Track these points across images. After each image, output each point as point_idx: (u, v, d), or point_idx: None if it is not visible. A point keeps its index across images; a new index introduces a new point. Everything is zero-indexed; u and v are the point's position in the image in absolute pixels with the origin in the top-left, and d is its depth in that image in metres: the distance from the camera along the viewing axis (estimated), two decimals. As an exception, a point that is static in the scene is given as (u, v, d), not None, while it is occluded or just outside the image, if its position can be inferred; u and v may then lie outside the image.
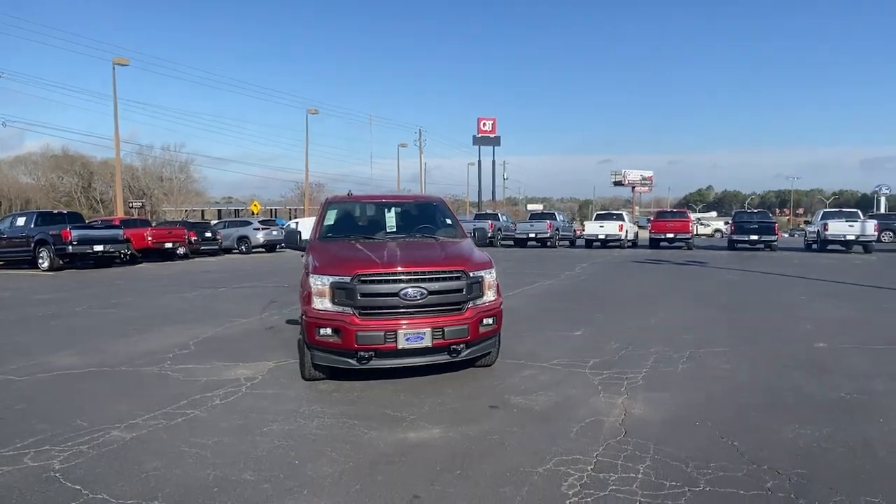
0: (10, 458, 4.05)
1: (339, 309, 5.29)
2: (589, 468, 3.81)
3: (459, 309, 5.47)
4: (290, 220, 47.14)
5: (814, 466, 3.79)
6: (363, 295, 5.24)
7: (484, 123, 68.65)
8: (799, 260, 20.62)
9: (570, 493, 3.48)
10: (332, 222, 6.88)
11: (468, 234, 6.97)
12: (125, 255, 21.21)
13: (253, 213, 46.73)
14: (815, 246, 26.16)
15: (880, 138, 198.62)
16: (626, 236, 29.61)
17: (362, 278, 5.27)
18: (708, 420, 4.66)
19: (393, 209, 7.17)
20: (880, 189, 73.30)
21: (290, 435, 4.47)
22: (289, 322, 9.04)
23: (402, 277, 5.32)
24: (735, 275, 15.49)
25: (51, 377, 6.15)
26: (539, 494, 3.47)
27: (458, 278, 5.47)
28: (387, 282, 5.29)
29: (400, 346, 5.23)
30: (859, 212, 27.47)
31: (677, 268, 17.91)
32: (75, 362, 6.73)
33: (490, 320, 5.66)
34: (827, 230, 24.18)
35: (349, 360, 5.38)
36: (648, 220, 38.07)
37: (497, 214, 34.73)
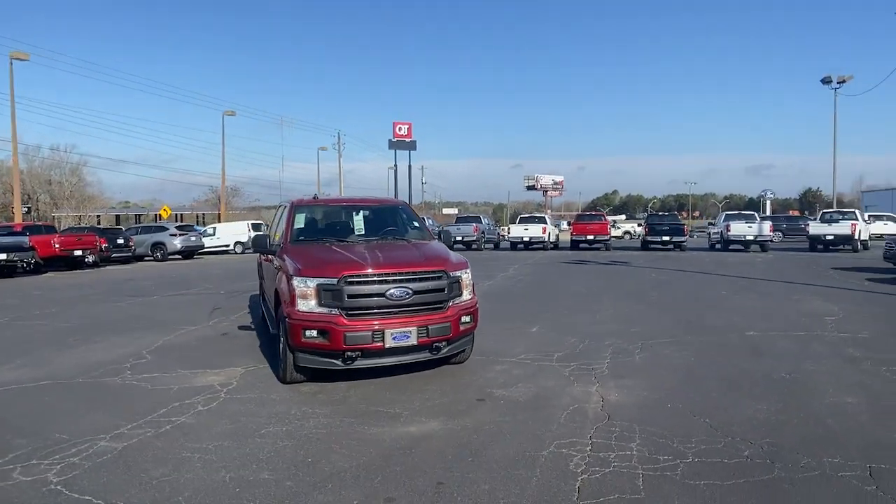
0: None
1: (326, 310, 5.34)
2: (588, 449, 4.14)
3: (441, 308, 5.67)
4: (201, 225, 45.10)
5: (777, 436, 4.32)
6: (350, 296, 5.33)
7: (400, 128, 68.44)
8: (709, 258, 22.34)
9: (578, 471, 3.79)
10: (302, 225, 6.87)
11: (434, 237, 7.18)
12: (29, 264, 19.64)
13: (162, 219, 44.46)
14: (718, 245, 28.40)
15: (763, 147, 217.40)
16: (549, 238, 30.79)
17: (349, 279, 5.36)
18: (677, 402, 5.14)
19: (361, 212, 7.26)
20: (766, 193, 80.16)
21: (291, 435, 4.50)
22: (241, 328, 8.85)
23: (388, 278, 5.46)
24: (658, 273, 16.61)
25: (2, 391, 5.75)
26: (551, 474, 3.75)
27: (439, 278, 5.67)
28: (373, 282, 5.41)
29: (387, 345, 5.37)
30: (756, 214, 30.13)
31: (604, 268, 18.94)
32: (23, 375, 6.32)
33: (468, 318, 5.90)
34: (729, 231, 26.36)
35: (334, 361, 5.45)
36: (568, 222, 39.72)
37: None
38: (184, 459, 4.06)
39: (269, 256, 6.91)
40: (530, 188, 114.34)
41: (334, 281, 5.34)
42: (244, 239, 34.18)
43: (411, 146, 70.19)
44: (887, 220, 38.50)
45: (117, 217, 63.94)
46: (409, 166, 70.85)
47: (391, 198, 8.08)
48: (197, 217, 64.18)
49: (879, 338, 7.57)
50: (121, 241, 25.28)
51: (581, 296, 12.15)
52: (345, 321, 5.29)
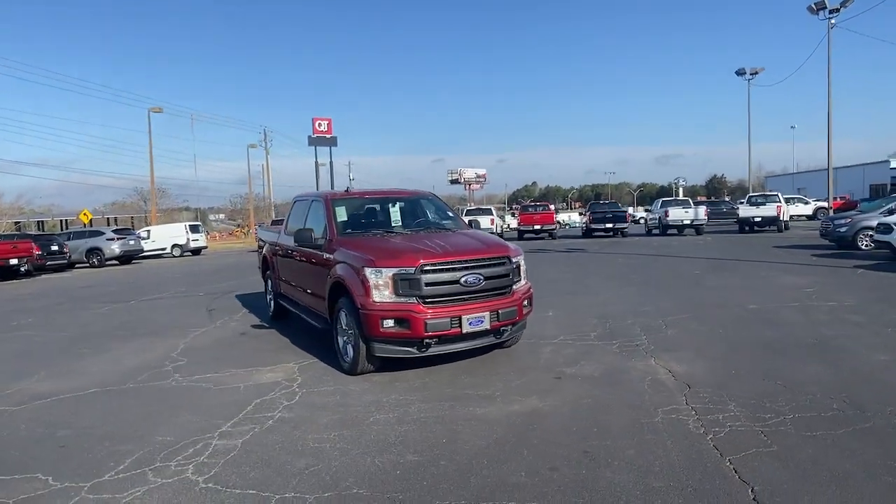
0: (131, 479, 3.71)
1: (403, 299, 5.41)
2: (693, 414, 4.48)
3: (507, 292, 5.87)
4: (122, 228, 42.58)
5: (850, 391, 4.82)
6: (428, 284, 5.42)
7: (319, 123, 66.40)
8: (656, 243, 23.62)
9: (700, 432, 4.12)
10: (345, 218, 6.84)
11: (466, 225, 7.35)
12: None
13: (83, 224, 41.63)
14: (656, 231, 30.02)
15: (671, 137, 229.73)
16: (496, 230, 31.46)
17: (426, 268, 5.44)
18: (737, 369, 5.60)
19: (397, 204, 7.31)
20: (678, 181, 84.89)
21: (403, 421, 4.57)
22: (256, 327, 8.67)
23: (462, 265, 5.59)
24: (624, 258, 17.45)
25: (56, 401, 5.45)
26: (680, 437, 4.06)
27: (503, 264, 5.86)
28: (449, 270, 5.53)
29: (464, 331, 5.51)
30: (690, 200, 32.07)
31: (566, 255, 19.64)
32: (62, 386, 5.97)
33: (527, 302, 6.13)
34: (668, 216, 27.94)
35: (410, 349, 5.54)
36: (512, 214, 40.71)
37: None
38: (318, 450, 4.06)
39: (308, 251, 6.81)
40: (454, 182, 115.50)
41: (412, 270, 5.41)
42: (182, 241, 32.74)
43: (332, 142, 68.53)
44: (797, 201, 42.03)
45: (17, 224, 58.97)
46: (331, 162, 69.34)
47: (418, 189, 8.12)
48: (108, 220, 60.10)
49: (865, 305, 8.43)
50: (55, 247, 23.56)
51: (567, 282, 12.61)
52: (423, 309, 5.38)
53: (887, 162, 61.21)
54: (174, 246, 32.67)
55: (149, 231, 33.58)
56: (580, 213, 46.88)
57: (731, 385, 5.11)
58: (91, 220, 44.07)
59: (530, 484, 3.46)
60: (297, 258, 7.32)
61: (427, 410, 4.78)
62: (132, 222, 54.34)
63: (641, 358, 6.11)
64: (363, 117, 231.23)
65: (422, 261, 5.46)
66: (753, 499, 3.22)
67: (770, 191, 31.30)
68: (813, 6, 30.94)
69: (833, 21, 30.61)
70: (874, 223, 16.38)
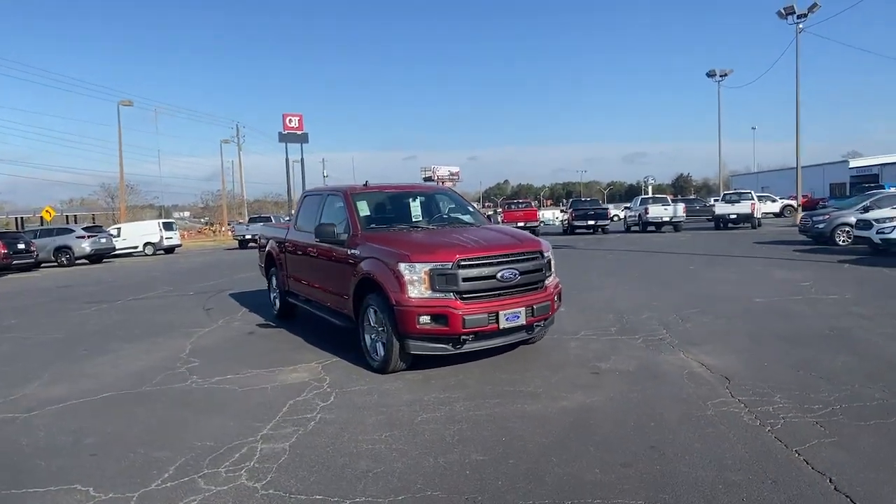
0: (181, 488, 3.50)
1: (440, 295, 5.28)
2: (743, 406, 4.48)
3: (541, 287, 5.80)
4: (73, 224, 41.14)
5: (887, 381, 4.89)
6: (465, 279, 5.30)
7: (290, 119, 65.12)
8: (639, 239, 23.94)
9: (757, 424, 4.12)
10: (368, 213, 6.66)
11: (487, 220, 7.26)
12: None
13: (46, 221, 40.17)
14: (635, 227, 30.44)
15: (637, 136, 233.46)
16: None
17: (463, 263, 5.33)
18: (768, 361, 5.64)
19: (418, 198, 7.17)
20: (647, 179, 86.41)
21: (453, 419, 4.46)
22: (263, 326, 8.42)
23: (498, 260, 5.49)
24: (611, 254, 17.60)
25: (70, 407, 5.15)
26: (739, 429, 4.04)
27: (537, 258, 5.79)
28: (486, 265, 5.42)
29: (501, 327, 5.40)
30: (668, 198, 32.60)
31: (557, 252, 19.63)
32: (72, 390, 5.66)
33: (557, 297, 6.06)
34: (648, 213, 28.34)
35: (445, 346, 5.42)
36: (495, 211, 40.83)
37: (269, 217, 34.93)
38: (373, 451, 3.91)
39: (327, 247, 6.61)
40: (427, 179, 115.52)
41: (449, 265, 5.29)
42: (155, 239, 31.86)
43: (303, 139, 67.38)
44: (766, 199, 43.16)
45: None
46: (301, 159, 68.16)
47: (435, 184, 7.98)
48: (67, 218, 58.00)
49: (865, 298, 8.63)
50: (22, 245, 22.60)
51: (567, 278, 12.53)
52: (461, 305, 5.26)
53: (846, 162, 63.41)
54: (146, 244, 31.74)
55: (119, 229, 32.51)
56: (562, 211, 47.35)
57: (769, 377, 5.13)
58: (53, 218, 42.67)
59: (608, 481, 3.39)
60: (314, 254, 7.10)
61: (474, 408, 4.67)
62: (93, 219, 52.48)
63: (669, 352, 6.10)
64: (335, 114, 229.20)
65: (458, 256, 5.33)
66: (835, 489, 3.21)
67: (742, 189, 32.06)
68: (782, 11, 31.76)
69: (801, 26, 31.47)
70: (851, 220, 16.91)
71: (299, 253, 7.72)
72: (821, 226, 17.57)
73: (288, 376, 5.82)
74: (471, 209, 7.37)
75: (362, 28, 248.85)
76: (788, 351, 5.95)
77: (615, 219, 41.14)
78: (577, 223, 29.34)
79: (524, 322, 5.55)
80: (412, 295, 5.29)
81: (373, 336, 5.84)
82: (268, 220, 33.86)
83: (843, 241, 16.98)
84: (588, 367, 5.71)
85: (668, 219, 28.26)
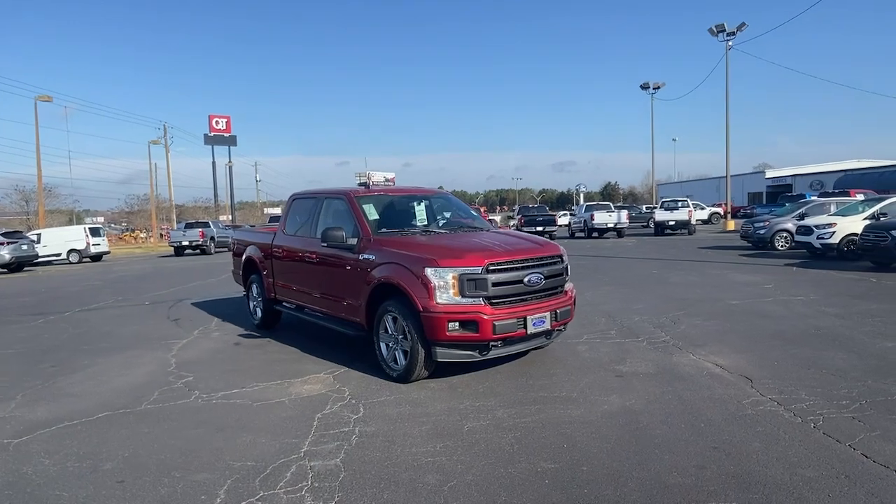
0: (249, 513, 3.21)
1: (469, 301, 5.16)
2: (777, 404, 4.62)
3: (562, 292, 5.79)
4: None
5: (891, 374, 5.19)
6: (495, 284, 5.21)
7: (217, 121, 62.79)
8: (589, 245, 24.58)
9: (799, 420, 4.25)
10: (376, 217, 6.43)
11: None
12: None
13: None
14: (580, 234, 31.27)
15: (566, 144, 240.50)
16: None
17: (491, 267, 5.23)
18: (773, 360, 5.86)
19: (423, 202, 7.01)
20: (579, 187, 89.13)
21: (501, 427, 4.35)
22: (246, 336, 7.99)
23: (525, 264, 5.43)
24: (573, 259, 17.87)
25: (64, 429, 4.66)
26: (787, 426, 4.16)
27: (558, 262, 5.77)
28: (513, 269, 5.35)
29: (529, 332, 5.34)
30: (611, 204, 33.69)
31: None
32: (61, 411, 5.13)
33: (573, 302, 6.06)
34: (594, 219, 29.20)
35: (472, 353, 5.30)
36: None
37: (208, 222, 33.62)
38: (438, 464, 3.75)
39: (332, 252, 6.33)
40: (362, 185, 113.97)
41: (478, 270, 5.18)
42: (81, 246, 29.80)
43: (231, 141, 65.01)
44: (696, 207, 45.50)
45: None
46: (230, 163, 65.80)
47: (432, 188, 7.83)
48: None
49: (828, 300, 9.17)
50: (-69, 253, 20.55)
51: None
52: (491, 310, 5.16)
53: (762, 173, 67.95)
54: (71, 251, 29.63)
55: (39, 235, 30.17)
56: (509, 217, 48.15)
57: (785, 375, 5.32)
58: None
59: (691, 483, 3.38)
60: (312, 260, 6.78)
61: (517, 416, 4.57)
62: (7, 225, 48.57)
63: (679, 354, 6.23)
64: (264, 117, 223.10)
65: (487, 260, 5.23)
66: (904, 481, 3.33)
67: (674, 197, 33.64)
68: (713, 28, 33.65)
69: (731, 43, 33.46)
70: (789, 226, 18.04)
71: (291, 259, 7.37)
72: (761, 232, 18.63)
73: (301, 388, 5.52)
74: (473, 213, 7.30)
75: (296, 31, 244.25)
76: (788, 350, 6.21)
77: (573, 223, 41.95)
78: (526, 229, 29.76)
79: (549, 327, 5.51)
80: (440, 301, 5.14)
81: (390, 344, 5.64)
82: (206, 225, 32.36)
83: (782, 246, 18.07)
84: (609, 370, 5.73)
85: (612, 225, 29.21)
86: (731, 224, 32.40)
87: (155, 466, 3.90)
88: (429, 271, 5.18)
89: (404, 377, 5.46)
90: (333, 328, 6.55)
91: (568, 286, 5.96)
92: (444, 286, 5.15)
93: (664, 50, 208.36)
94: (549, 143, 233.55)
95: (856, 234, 14.38)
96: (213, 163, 65.80)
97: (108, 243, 33.47)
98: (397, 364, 5.55)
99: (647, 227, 36.52)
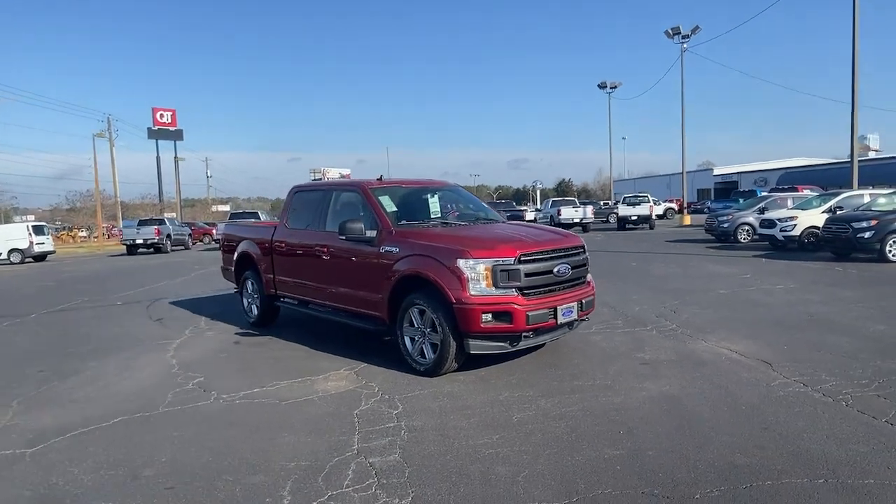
0: None
1: (502, 292, 5.11)
2: (803, 385, 4.78)
3: (585, 282, 5.82)
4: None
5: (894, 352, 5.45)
6: (527, 275, 5.19)
7: (161, 115, 60.15)
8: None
9: (830, 400, 4.41)
10: (394, 209, 6.30)
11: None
12: None
13: None
14: (544, 230, 31.66)
15: (520, 142, 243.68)
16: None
17: (523, 258, 5.20)
18: (782, 344, 6.07)
19: (436, 194, 6.91)
20: (536, 183, 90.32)
21: (549, 416, 4.35)
22: (244, 335, 7.71)
23: (553, 255, 5.43)
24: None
25: (82, 436, 4.37)
26: (823, 407, 4.30)
27: (581, 253, 5.80)
28: (544, 260, 5.34)
29: (559, 321, 5.35)
30: (576, 200, 34.29)
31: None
32: (71, 417, 4.81)
33: (594, 293, 6.09)
34: (560, 215, 29.67)
35: (503, 345, 5.27)
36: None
37: (163, 219, 32.53)
38: (503, 455, 3.70)
39: (347, 246, 6.17)
40: (317, 180, 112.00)
41: (511, 260, 5.14)
42: (24, 245, 28.21)
43: (177, 136, 62.50)
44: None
45: None
46: (175, 158, 63.31)
47: (442, 181, 7.75)
48: None
49: (807, 288, 9.60)
50: None
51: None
52: (523, 301, 5.14)
53: (711, 170, 70.50)
54: (13, 251, 28.01)
55: (-24, 233, 28.39)
56: None
57: (800, 359, 5.52)
58: None
59: (758, 463, 3.44)
60: (323, 254, 6.58)
61: (560, 405, 4.57)
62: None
63: (692, 341, 6.37)
64: (212, 111, 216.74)
65: (519, 251, 5.20)
66: (952, 453, 3.49)
67: (636, 193, 34.51)
68: (669, 31, 34.67)
69: (685, 45, 34.56)
70: (750, 220, 18.79)
71: (296, 253, 7.15)
72: (725, 225, 19.34)
73: (325, 385, 5.36)
74: (484, 205, 7.26)
75: (249, 23, 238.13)
76: (793, 335, 6.44)
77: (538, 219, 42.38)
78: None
79: (576, 317, 5.54)
80: (473, 292, 5.08)
81: (415, 338, 5.54)
82: (161, 222, 31.13)
83: (745, 239, 18.81)
84: (632, 358, 5.81)
85: (578, 220, 29.74)
86: (688, 219, 33.52)
87: (201, 470, 3.70)
88: (461, 262, 5.11)
89: (433, 371, 5.37)
90: (347, 323, 6.40)
91: (589, 277, 5.99)
92: (476, 277, 5.09)
93: (620, 51, 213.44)
94: (505, 141, 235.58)
95: (815, 227, 15.13)
96: (158, 157, 62.99)
97: (52, 242, 31.83)
98: (425, 358, 5.46)
99: (607, 221, 37.34)
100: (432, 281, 5.25)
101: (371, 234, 5.93)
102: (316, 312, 6.97)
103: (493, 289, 5.10)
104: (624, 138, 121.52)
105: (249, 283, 8.15)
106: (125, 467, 3.81)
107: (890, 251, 12.38)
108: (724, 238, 19.44)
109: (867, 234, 12.49)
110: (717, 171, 68.82)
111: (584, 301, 5.61)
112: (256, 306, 8.04)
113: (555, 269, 5.37)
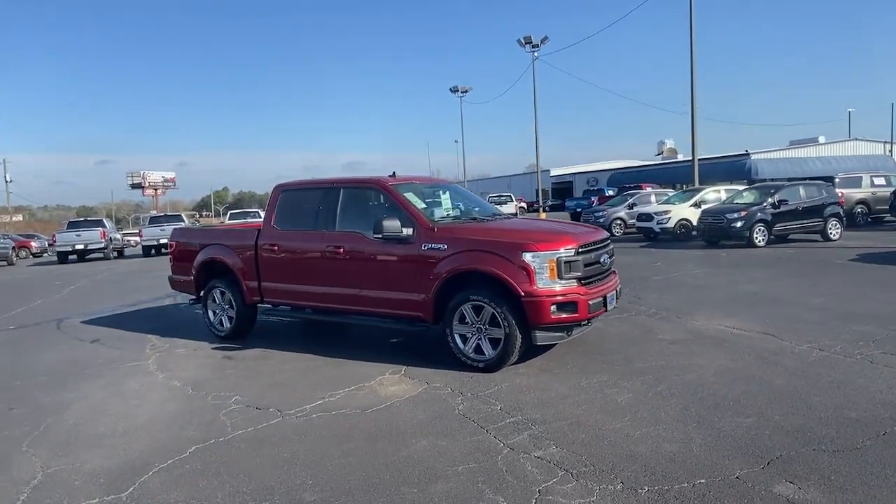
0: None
1: (565, 283, 5.29)
2: (818, 349, 5.56)
3: (614, 271, 6.20)
4: None
5: (877, 321, 6.48)
6: (586, 265, 5.42)
7: None
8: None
9: (853, 359, 5.20)
10: (424, 206, 6.13)
11: None
12: None
13: None
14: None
15: (356, 146, 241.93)
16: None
17: (580, 249, 5.42)
18: (767, 319, 6.94)
19: (447, 191, 6.85)
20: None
21: (647, 396, 4.60)
22: (218, 349, 6.97)
23: (598, 246, 5.74)
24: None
25: (167, 473, 3.75)
26: (857, 368, 5.04)
27: (611, 244, 6.17)
28: (595, 250, 5.62)
29: (608, 308, 5.66)
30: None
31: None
32: (126, 453, 4.08)
33: None
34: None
35: (562, 335, 5.45)
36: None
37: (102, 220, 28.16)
38: (653, 436, 3.87)
39: (373, 247, 5.91)
40: (136, 186, 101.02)
41: (572, 252, 5.33)
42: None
43: None
44: (507, 201, 49.54)
45: None
46: None
47: (439, 178, 7.66)
48: None
49: (715, 270, 11.11)
50: None
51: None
52: (584, 290, 5.36)
53: (548, 171, 76.31)
54: None
55: None
56: None
57: (792, 329, 6.38)
58: None
59: (868, 416, 3.99)
60: (339, 256, 6.17)
61: (648, 386, 4.82)
62: None
63: (690, 321, 7.05)
64: (11, 109, 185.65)
65: (578, 243, 5.42)
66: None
67: (502, 193, 36.36)
68: (521, 40, 37.02)
69: (536, 54, 37.17)
70: (622, 214, 20.93)
71: (295, 256, 6.63)
72: (601, 220, 21.27)
73: (388, 391, 5.12)
74: (485, 202, 7.36)
75: (48, 13, 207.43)
76: (761, 311, 7.40)
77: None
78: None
79: (615, 304, 5.88)
80: (540, 285, 5.19)
81: (468, 334, 5.50)
82: (100, 224, 25.45)
83: (618, 232, 20.90)
84: (654, 340, 6.30)
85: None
86: (544, 216, 36.12)
87: (370, 487, 3.40)
88: (528, 256, 5.19)
89: (496, 365, 5.38)
90: (375, 325, 6.14)
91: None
92: (542, 270, 5.20)
93: (469, 55, 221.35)
94: (340, 144, 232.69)
95: (686, 219, 17.31)
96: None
97: None
98: (483, 354, 5.43)
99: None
100: (496, 276, 5.26)
101: (407, 231, 5.75)
102: (322, 317, 6.55)
103: (558, 280, 5.26)
104: (456, 141, 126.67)
105: (218, 292, 7.35)
106: (272, 496, 3.36)
107: (756, 237, 14.62)
108: (600, 232, 21.37)
109: (739, 224, 14.63)
110: (554, 172, 74.77)
111: (618, 289, 5.99)
112: (226, 318, 7.29)
113: (601, 260, 5.67)
